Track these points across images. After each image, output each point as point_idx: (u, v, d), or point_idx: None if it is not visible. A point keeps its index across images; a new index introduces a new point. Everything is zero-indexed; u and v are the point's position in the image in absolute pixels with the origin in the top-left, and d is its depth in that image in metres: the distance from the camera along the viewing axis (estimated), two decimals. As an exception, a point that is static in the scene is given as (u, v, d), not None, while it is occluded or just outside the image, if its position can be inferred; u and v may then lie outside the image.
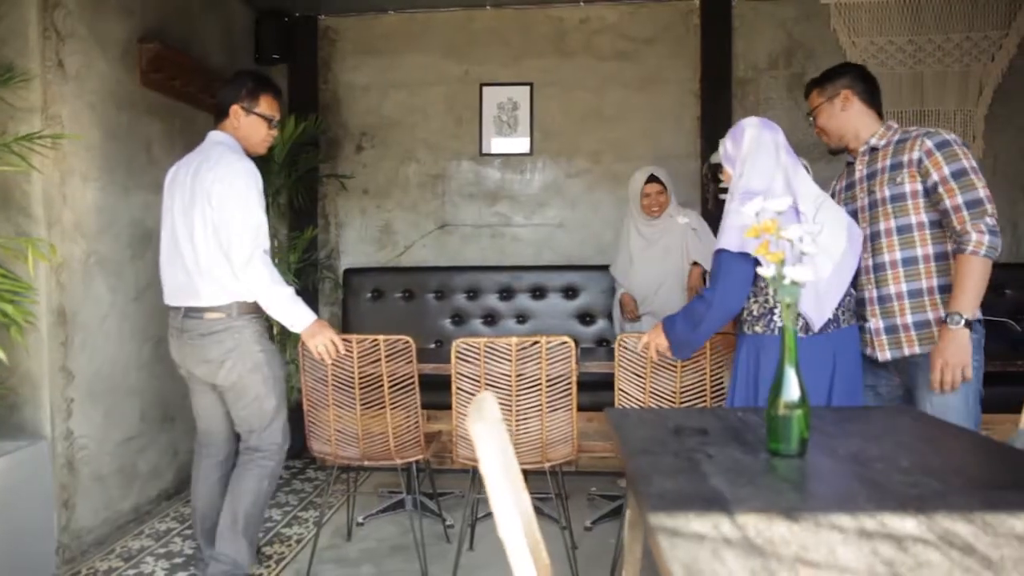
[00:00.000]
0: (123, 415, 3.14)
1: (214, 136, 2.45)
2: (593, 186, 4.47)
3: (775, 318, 2.00)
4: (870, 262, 2.12)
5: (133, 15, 3.19)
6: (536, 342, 2.46)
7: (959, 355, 1.92)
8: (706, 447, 1.38)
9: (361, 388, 2.48)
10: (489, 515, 3.08)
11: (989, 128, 4.24)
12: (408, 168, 4.57)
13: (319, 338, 2.36)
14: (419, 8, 4.48)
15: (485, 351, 2.48)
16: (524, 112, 4.46)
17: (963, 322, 1.91)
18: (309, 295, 4.47)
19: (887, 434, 1.47)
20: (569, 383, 2.50)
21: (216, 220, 2.30)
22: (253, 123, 2.45)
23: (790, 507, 1.05)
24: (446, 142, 4.53)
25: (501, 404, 2.51)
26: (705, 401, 2.52)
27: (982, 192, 1.95)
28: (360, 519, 3.21)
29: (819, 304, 1.96)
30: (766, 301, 2.02)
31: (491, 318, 4.34)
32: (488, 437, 1.04)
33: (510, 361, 2.47)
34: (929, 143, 2.01)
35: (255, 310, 2.38)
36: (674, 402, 2.50)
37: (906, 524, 0.97)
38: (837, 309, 1.98)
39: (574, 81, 4.44)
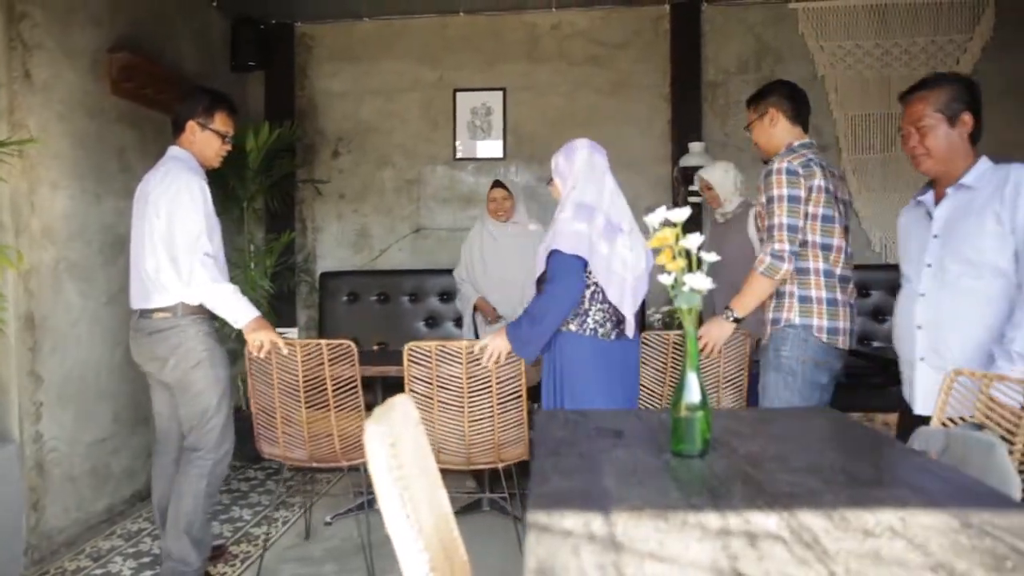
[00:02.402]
0: (95, 417, 3.20)
1: (171, 151, 2.58)
2: (566, 189, 4.52)
3: (588, 320, 2.28)
4: None
5: (102, 26, 3.25)
6: (485, 345, 2.51)
7: (715, 335, 2.38)
8: (616, 448, 1.44)
9: (306, 391, 2.54)
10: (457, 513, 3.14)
11: (955, 131, 4.29)
12: (384, 173, 4.63)
13: (259, 333, 2.46)
14: (394, 15, 4.55)
15: (436, 354, 2.54)
16: (497, 117, 4.52)
17: (731, 316, 2.33)
18: (286, 298, 4.54)
19: (794, 435, 1.53)
20: (519, 385, 2.55)
21: (163, 230, 2.43)
22: (208, 138, 2.57)
23: (667, 506, 1.10)
24: (421, 147, 4.60)
25: (454, 406, 2.57)
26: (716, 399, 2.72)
27: (776, 220, 2.20)
28: (328, 518, 3.27)
29: (631, 312, 2.31)
30: (583, 302, 2.27)
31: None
32: (377, 439, 1.10)
33: (461, 364, 2.53)
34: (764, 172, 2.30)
35: (200, 311, 2.49)
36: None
37: (769, 521, 1.03)
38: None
39: (546, 86, 4.51)
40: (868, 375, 4.01)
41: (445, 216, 4.60)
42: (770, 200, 2.22)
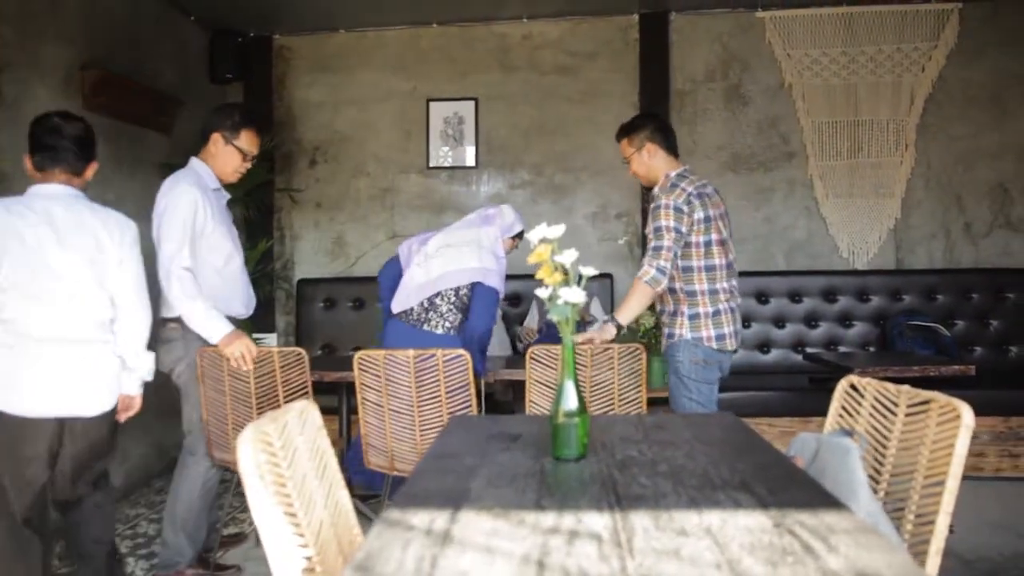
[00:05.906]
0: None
1: (190, 162, 2.69)
2: (537, 197, 4.61)
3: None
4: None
5: (75, 43, 3.37)
6: (432, 355, 2.59)
7: (595, 336, 2.63)
8: (505, 452, 1.51)
9: (257, 397, 2.61)
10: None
11: (921, 137, 4.34)
12: (359, 182, 4.73)
13: (235, 345, 2.51)
14: (369, 27, 4.65)
15: (385, 363, 2.62)
16: (469, 126, 4.61)
17: (614, 323, 2.62)
18: (265, 305, 4.64)
19: (679, 440, 1.59)
20: (468, 394, 2.62)
21: (156, 238, 2.54)
22: (230, 153, 2.66)
23: (515, 506, 1.18)
24: (395, 156, 4.69)
25: (404, 414, 2.65)
26: (613, 407, 2.75)
27: (664, 243, 2.55)
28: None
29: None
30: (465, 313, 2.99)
31: (437, 326, 4.47)
32: (249, 442, 1.18)
33: (409, 372, 2.61)
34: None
35: None
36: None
37: (600, 522, 1.10)
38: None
39: (518, 95, 4.59)
40: (832, 380, 4.05)
41: (419, 223, 4.68)
42: (659, 228, 2.56)
